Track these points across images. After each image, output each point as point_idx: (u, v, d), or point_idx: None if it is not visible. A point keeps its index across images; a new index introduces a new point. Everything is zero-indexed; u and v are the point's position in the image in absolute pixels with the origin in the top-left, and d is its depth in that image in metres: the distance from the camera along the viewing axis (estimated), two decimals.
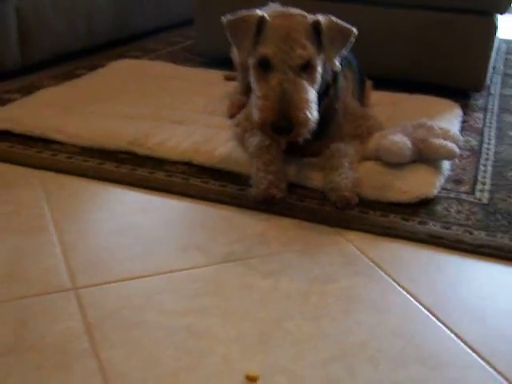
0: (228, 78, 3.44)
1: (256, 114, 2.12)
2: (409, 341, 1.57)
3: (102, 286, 1.72)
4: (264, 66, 2.14)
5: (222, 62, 3.57)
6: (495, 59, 4.51)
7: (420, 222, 2.10)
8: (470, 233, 2.05)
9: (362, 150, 2.40)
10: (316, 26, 2.16)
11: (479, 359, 1.52)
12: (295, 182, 2.31)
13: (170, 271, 1.81)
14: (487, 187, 2.38)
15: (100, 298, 1.67)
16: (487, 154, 2.72)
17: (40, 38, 3.63)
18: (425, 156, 2.35)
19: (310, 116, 2.09)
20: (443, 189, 2.33)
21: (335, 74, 2.39)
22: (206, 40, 3.89)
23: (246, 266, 1.85)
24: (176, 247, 1.93)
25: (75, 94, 3.15)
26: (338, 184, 2.17)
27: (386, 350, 1.54)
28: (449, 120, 2.88)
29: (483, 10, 3.32)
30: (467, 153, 2.71)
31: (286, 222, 2.12)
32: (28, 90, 3.21)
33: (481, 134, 2.98)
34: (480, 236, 2.03)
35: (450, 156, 2.36)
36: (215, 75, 3.58)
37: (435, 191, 2.26)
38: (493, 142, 2.88)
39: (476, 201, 2.27)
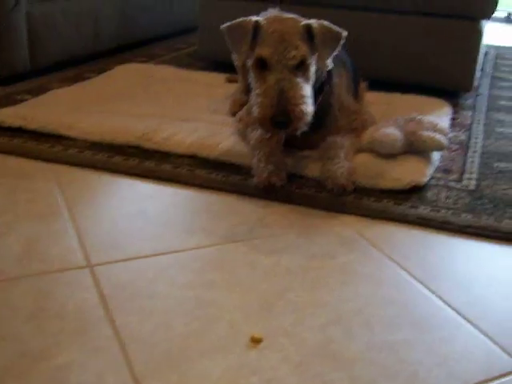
0: (230, 80, 3.57)
1: (256, 111, 2.25)
2: (401, 308, 1.70)
3: (115, 264, 1.84)
4: (261, 66, 2.28)
5: (223, 66, 3.69)
6: (484, 62, 4.66)
7: (411, 207, 2.23)
8: (458, 215, 2.18)
9: (357, 143, 2.53)
10: (308, 29, 2.30)
11: (465, 322, 1.65)
12: (294, 171, 2.44)
13: (178, 251, 1.93)
14: (474, 176, 2.51)
15: (113, 273, 1.79)
16: (475, 147, 2.85)
17: (49, 43, 3.76)
18: (415, 147, 2.48)
19: (305, 110, 2.22)
20: (433, 177, 2.46)
21: (330, 72, 2.52)
22: (209, 45, 4.01)
23: (249, 246, 1.98)
24: (183, 230, 2.06)
25: (85, 94, 3.28)
26: (335, 173, 2.30)
27: (380, 315, 1.66)
28: (439, 117, 3.00)
29: (470, 16, 3.48)
30: (456, 146, 2.84)
31: (286, 208, 2.24)
32: (38, 92, 3.33)
33: (469, 129, 3.11)
34: (466, 218, 2.16)
35: (438, 147, 2.49)
36: (217, 78, 3.71)
37: (425, 179, 2.39)
38: (480, 136, 3.01)
39: (464, 188, 2.40)
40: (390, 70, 3.66)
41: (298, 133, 2.27)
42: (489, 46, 5.32)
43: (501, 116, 3.36)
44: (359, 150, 2.51)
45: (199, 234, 2.03)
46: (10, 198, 2.22)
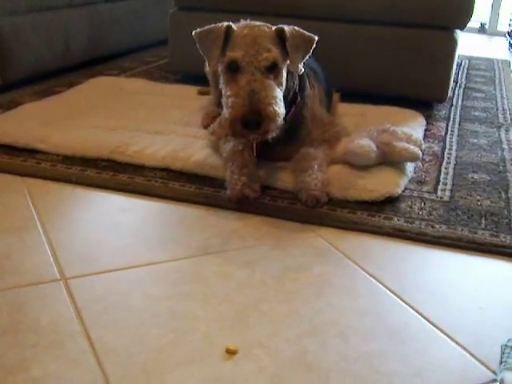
0: (202, 93, 3.57)
1: (226, 112, 2.24)
2: (376, 319, 1.70)
3: (89, 277, 1.83)
4: (233, 68, 2.27)
5: (195, 78, 3.70)
6: (457, 73, 4.70)
7: (385, 218, 2.24)
8: (432, 226, 2.19)
9: (331, 154, 2.53)
10: (280, 33, 2.31)
11: (440, 333, 1.65)
12: (268, 184, 2.44)
13: (152, 263, 1.92)
14: (448, 187, 2.53)
15: (88, 286, 1.78)
16: (449, 158, 2.87)
17: (20, 57, 3.74)
18: (389, 158, 2.49)
19: (277, 110, 2.21)
20: (407, 189, 2.47)
21: (302, 84, 2.53)
22: (180, 58, 4.01)
23: (223, 258, 1.97)
24: (157, 242, 2.05)
25: (56, 108, 3.27)
26: (308, 184, 2.30)
27: (355, 326, 1.66)
28: (413, 128, 3.02)
29: (444, 26, 3.50)
30: (430, 157, 2.85)
31: (260, 220, 2.24)
32: (9, 106, 3.32)
33: (443, 140, 3.13)
34: (441, 229, 2.18)
35: (412, 158, 2.50)
36: (189, 90, 3.71)
37: (399, 190, 2.40)
38: (454, 147, 3.03)
39: (438, 199, 2.41)
40: (364, 81, 3.67)
41: (270, 137, 2.26)
42: (462, 57, 5.38)
43: (474, 127, 3.39)
44: (333, 162, 2.52)
45: (173, 247, 2.02)
46: None
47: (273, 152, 2.47)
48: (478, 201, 2.40)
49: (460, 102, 3.92)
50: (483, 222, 2.23)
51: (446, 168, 2.73)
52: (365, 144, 2.46)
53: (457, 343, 1.62)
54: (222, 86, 2.36)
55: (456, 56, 3.62)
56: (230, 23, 2.33)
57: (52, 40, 4.00)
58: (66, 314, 1.65)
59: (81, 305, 1.69)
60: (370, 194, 2.33)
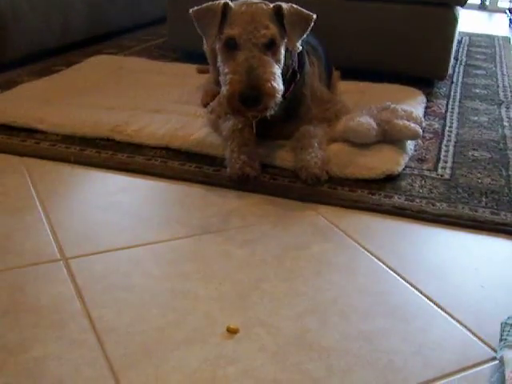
0: (201, 71, 3.55)
1: (225, 88, 2.23)
2: (376, 297, 1.70)
3: (89, 257, 1.83)
4: (231, 46, 2.25)
5: (194, 56, 3.67)
6: (458, 51, 4.68)
7: (386, 196, 2.23)
8: (433, 204, 2.19)
9: (331, 132, 2.53)
10: (278, 11, 2.29)
11: (441, 311, 1.65)
12: (268, 162, 2.43)
13: (153, 242, 1.92)
14: (449, 164, 2.52)
15: (88, 266, 1.78)
16: (449, 135, 2.86)
17: (17, 36, 3.71)
18: (389, 136, 2.48)
19: (276, 86, 2.19)
20: (407, 166, 2.46)
21: (301, 61, 2.52)
22: (179, 36, 3.99)
23: (224, 237, 1.97)
24: (157, 222, 2.05)
25: (55, 87, 3.25)
26: (308, 162, 2.30)
27: (355, 305, 1.66)
28: (413, 106, 3.00)
29: (445, 3, 3.48)
30: (430, 135, 2.85)
31: (260, 199, 2.23)
32: (7, 86, 3.29)
33: (443, 118, 3.12)
34: (441, 207, 2.17)
35: (413, 136, 2.49)
36: (188, 68, 3.69)
37: (400, 168, 2.39)
38: (455, 125, 3.02)
39: (438, 177, 2.41)
40: (364, 59, 3.65)
41: (268, 114, 2.25)
42: (462, 34, 5.35)
43: (475, 104, 3.38)
44: (333, 140, 2.51)
45: (173, 226, 2.02)
46: None
47: (272, 130, 2.46)
48: (479, 178, 2.40)
49: (460, 80, 3.90)
50: (484, 199, 2.23)
51: (446, 146, 2.73)
52: (365, 122, 2.45)
53: (457, 321, 1.62)
54: (220, 63, 2.34)
55: (456, 33, 3.61)
56: (228, 0, 2.31)
57: (50, 19, 3.97)
58: (66, 294, 1.65)
59: (81, 285, 1.69)
60: (371, 171, 2.33)
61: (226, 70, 2.23)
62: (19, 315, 1.56)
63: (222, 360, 1.45)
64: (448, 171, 2.45)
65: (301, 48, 2.38)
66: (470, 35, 5.49)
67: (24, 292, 1.65)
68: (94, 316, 1.57)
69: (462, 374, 1.45)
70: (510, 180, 2.38)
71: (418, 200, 2.20)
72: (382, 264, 1.85)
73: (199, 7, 2.34)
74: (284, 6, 2.28)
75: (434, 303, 1.68)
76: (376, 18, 3.57)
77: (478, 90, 3.66)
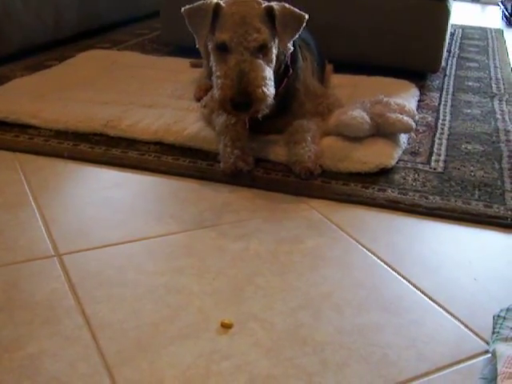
0: (194, 65, 3.55)
1: (216, 93, 2.23)
2: (370, 291, 1.70)
3: (83, 252, 1.83)
4: (222, 49, 2.25)
5: (187, 50, 3.64)
6: (450, 43, 4.69)
7: (379, 189, 2.24)
8: (426, 198, 2.19)
9: (323, 126, 2.53)
10: (270, 11, 2.28)
11: (435, 305, 1.66)
12: (261, 156, 2.43)
13: (146, 238, 1.92)
14: (442, 158, 2.53)
15: (82, 262, 1.78)
16: (442, 128, 2.87)
17: (9, 31, 3.70)
18: (382, 130, 2.49)
19: (267, 92, 2.20)
20: (400, 160, 2.47)
21: (294, 55, 2.51)
22: (172, 30, 3.98)
23: (217, 231, 1.97)
24: (150, 217, 2.05)
25: (48, 82, 3.24)
26: (302, 156, 2.30)
27: (349, 299, 1.67)
28: (406, 98, 3.01)
29: None
30: (423, 128, 2.85)
31: (253, 193, 2.24)
32: (0, 81, 3.29)
33: (436, 111, 3.13)
34: (435, 200, 2.18)
35: (406, 129, 2.50)
36: (181, 63, 3.69)
37: (393, 162, 2.40)
38: (448, 118, 3.03)
39: (431, 170, 2.41)
40: (356, 52, 3.65)
41: (260, 116, 2.26)
42: (455, 26, 5.35)
43: (468, 97, 3.39)
44: (326, 134, 2.51)
45: (167, 221, 2.02)
46: None
47: (266, 125, 2.46)
48: (472, 171, 2.40)
49: (453, 72, 3.91)
50: (477, 192, 2.24)
51: (439, 139, 2.73)
52: (358, 115, 2.45)
53: (451, 314, 1.62)
54: (212, 63, 2.34)
55: (449, 25, 3.61)
56: (219, 1, 2.30)
57: (42, 13, 3.95)
58: (60, 290, 1.65)
59: (75, 280, 1.69)
60: (364, 165, 2.33)
61: (218, 74, 2.23)
62: (13, 312, 1.56)
63: (216, 355, 1.45)
64: (441, 164, 2.45)
65: (292, 48, 2.38)
66: (463, 27, 5.49)
67: (18, 288, 1.65)
68: (89, 312, 1.57)
69: (456, 367, 1.45)
70: (502, 173, 2.39)
71: (411, 193, 2.21)
72: (375, 258, 1.86)
73: (191, 6, 2.34)
74: (276, 6, 2.27)
75: (428, 297, 1.69)
76: (368, 10, 3.56)
77: (470, 83, 3.67)
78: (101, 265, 1.77)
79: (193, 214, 2.07)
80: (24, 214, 2.02)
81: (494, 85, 3.63)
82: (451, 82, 3.65)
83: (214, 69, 2.31)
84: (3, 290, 1.64)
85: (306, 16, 2.32)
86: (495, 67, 4.07)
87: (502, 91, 3.50)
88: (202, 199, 2.16)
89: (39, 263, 1.77)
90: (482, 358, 1.47)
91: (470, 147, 2.64)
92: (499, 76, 3.84)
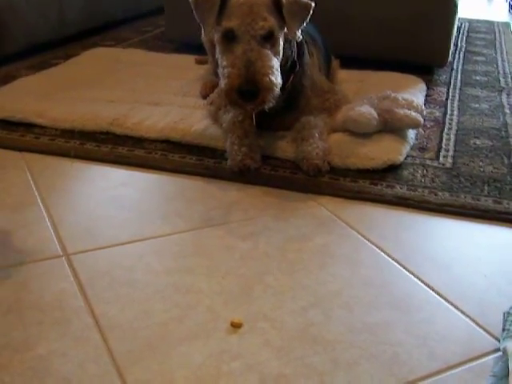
0: (199, 62, 3.54)
1: (223, 82, 2.22)
2: (380, 289, 1.69)
3: (91, 252, 1.82)
4: (229, 38, 2.24)
5: (192, 47, 3.66)
6: (457, 37, 4.66)
7: (387, 186, 2.22)
8: (435, 194, 2.18)
9: (331, 122, 2.52)
10: (277, 1, 2.27)
11: (445, 302, 1.65)
12: (268, 154, 2.42)
13: (155, 237, 1.92)
14: (450, 153, 2.51)
15: (90, 262, 1.78)
16: (450, 123, 2.85)
17: (14, 30, 3.69)
18: (390, 126, 2.47)
19: (274, 81, 2.18)
20: (409, 156, 2.46)
21: (300, 51, 2.50)
22: (176, 26, 3.98)
23: (226, 230, 1.96)
24: (158, 215, 2.04)
25: (53, 81, 3.24)
26: (309, 153, 2.29)
27: (359, 297, 1.66)
28: (413, 94, 2.99)
29: None
30: (431, 123, 2.84)
31: (261, 191, 2.23)
32: (5, 80, 3.28)
33: (444, 106, 3.11)
34: (444, 196, 2.16)
35: (414, 125, 2.49)
36: (187, 60, 3.68)
37: (401, 158, 2.38)
38: (455, 113, 3.01)
39: (440, 166, 2.40)
40: (363, 47, 3.63)
41: (267, 107, 2.24)
42: (462, 20, 5.33)
43: (475, 91, 3.37)
44: (333, 130, 2.50)
45: (175, 220, 2.01)
46: None
47: (273, 121, 2.45)
48: (481, 167, 2.39)
49: (460, 67, 3.89)
50: (486, 188, 2.22)
51: (447, 134, 2.72)
52: (365, 111, 2.44)
53: (461, 312, 1.61)
54: (218, 56, 2.33)
55: (456, 19, 3.58)
56: None
57: (45, 11, 3.94)
58: (69, 291, 1.64)
59: (84, 281, 1.69)
60: (372, 162, 2.32)
61: (225, 63, 2.22)
62: (23, 312, 1.56)
63: (227, 355, 1.44)
64: (450, 160, 2.44)
65: (301, 37, 2.37)
66: (470, 21, 5.46)
67: (27, 289, 1.65)
68: (98, 312, 1.57)
69: (467, 365, 1.44)
70: None
71: (420, 190, 2.20)
72: (385, 255, 1.85)
73: None
74: None
75: (438, 294, 1.68)
76: (375, 4, 3.54)
77: (478, 77, 3.65)
78: (109, 264, 1.76)
79: (200, 212, 2.06)
80: (31, 214, 2.02)
81: (501, 79, 3.61)
82: (458, 77, 3.63)
83: (219, 60, 2.30)
84: (12, 291, 1.64)
85: (313, 4, 2.31)
86: (503, 61, 4.05)
87: (510, 85, 3.48)
88: (210, 197, 2.16)
89: (48, 263, 1.76)
90: (493, 356, 1.46)
91: (478, 142, 2.63)
92: (507, 70, 3.82)
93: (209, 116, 2.67)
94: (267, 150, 2.42)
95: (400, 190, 2.19)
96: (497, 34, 4.94)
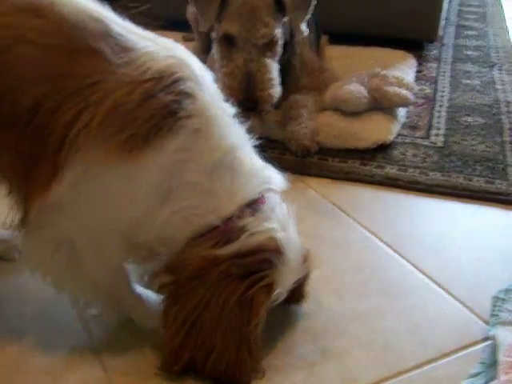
0: (187, 39, 3.48)
1: (221, 90, 2.17)
2: (370, 274, 1.66)
3: None
4: (228, 41, 2.21)
5: (179, 24, 3.60)
6: (448, 10, 4.59)
7: (377, 166, 2.19)
8: (426, 174, 2.14)
9: (320, 101, 2.47)
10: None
11: (437, 287, 1.62)
12: (255, 133, 2.37)
13: None
14: (442, 132, 2.47)
15: None
16: (441, 101, 2.80)
17: None
18: (380, 104, 2.43)
19: (273, 94, 2.19)
20: (399, 135, 2.42)
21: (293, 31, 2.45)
22: (163, 3, 3.92)
23: None
24: None
25: None
26: (298, 133, 2.25)
27: (348, 282, 1.63)
28: (403, 70, 2.94)
29: None
30: (422, 100, 2.79)
31: None
32: None
33: (435, 82, 3.06)
34: (435, 176, 2.13)
35: (404, 103, 2.44)
36: (174, 37, 3.59)
37: (391, 137, 2.34)
38: (447, 89, 2.96)
39: (431, 145, 2.36)
40: (350, 21, 3.54)
41: (264, 114, 2.25)
42: None
43: (467, 67, 3.31)
44: (322, 109, 2.45)
45: None
46: None
47: None
48: (473, 145, 2.35)
49: (451, 41, 3.82)
50: (478, 167, 2.19)
51: (438, 111, 2.67)
52: (354, 89, 2.40)
53: (453, 297, 1.58)
54: (216, 54, 2.29)
55: None
56: None
57: None
58: None
59: None
60: (361, 141, 2.28)
61: (224, 70, 2.20)
62: None
63: None
64: (441, 139, 2.40)
65: (307, 32, 2.32)
66: None
67: None
68: None
69: (460, 353, 1.41)
70: (504, 146, 2.33)
71: (410, 170, 2.16)
72: (375, 238, 1.82)
73: None
74: None
75: (429, 278, 1.65)
76: None
77: (469, 52, 3.59)
78: None
79: None
80: None
81: (493, 54, 3.55)
82: (449, 52, 3.57)
83: (218, 61, 2.26)
84: None
85: None
86: (494, 35, 3.97)
87: (502, 60, 3.42)
88: None
89: None
90: (486, 343, 1.43)
91: (470, 120, 2.58)
92: (499, 44, 3.75)
93: None
94: (254, 130, 2.37)
95: (390, 170, 2.16)
96: (489, 7, 4.86)
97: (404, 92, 2.42)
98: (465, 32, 4.06)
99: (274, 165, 1.60)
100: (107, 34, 1.22)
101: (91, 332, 1.45)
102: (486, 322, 1.49)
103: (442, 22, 3.64)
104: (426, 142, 2.37)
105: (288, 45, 2.41)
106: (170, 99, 1.19)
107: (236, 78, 2.14)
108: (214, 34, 2.29)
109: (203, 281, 1.25)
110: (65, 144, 1.18)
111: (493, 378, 1.28)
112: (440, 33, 3.63)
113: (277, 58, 2.24)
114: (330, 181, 2.13)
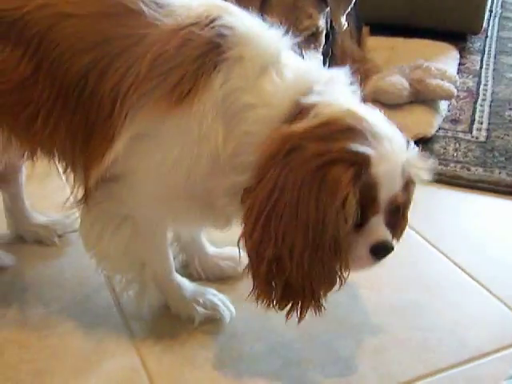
0: None
1: None
2: (410, 269, 1.64)
3: None
4: None
5: None
6: (492, 2, 4.51)
7: None
8: (468, 169, 2.11)
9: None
10: None
11: (477, 285, 1.59)
12: None
13: None
14: (484, 126, 2.43)
15: None
16: (484, 94, 2.76)
17: None
18: (422, 96, 2.40)
19: None
20: (441, 128, 2.38)
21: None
22: None
23: None
24: None
25: None
26: None
27: (388, 277, 1.60)
28: (446, 62, 2.90)
29: None
30: (464, 94, 2.74)
31: None
32: None
33: (478, 75, 3.00)
34: (477, 172, 2.10)
35: (447, 96, 2.41)
36: None
37: (433, 130, 2.31)
38: (490, 83, 2.91)
39: (473, 139, 2.32)
40: (393, 13, 3.50)
41: None
42: None
43: (511, 60, 3.24)
44: (363, 101, 2.42)
45: None
46: None
47: None
48: None
49: (495, 34, 3.74)
50: None
51: (481, 105, 2.63)
52: (396, 81, 2.37)
53: (495, 296, 1.56)
54: None
55: None
56: None
57: None
58: None
59: None
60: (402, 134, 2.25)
61: None
62: None
63: (249, 336, 1.41)
64: (484, 133, 2.36)
65: (346, 25, 2.29)
66: None
67: None
68: None
69: (500, 353, 1.39)
70: None
71: (452, 164, 2.13)
72: (415, 233, 1.79)
73: None
74: None
75: (470, 276, 1.63)
76: None
77: None
78: None
79: None
80: None
81: None
82: (493, 44, 3.50)
83: None
84: None
85: None
86: None
87: None
88: None
89: None
90: None
91: None
92: None
93: None
94: None
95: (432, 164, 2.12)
96: None
97: (447, 84, 2.39)
98: (509, 24, 3.98)
99: None
100: None
101: (127, 319, 1.45)
102: None
103: (487, 14, 3.57)
104: (467, 137, 2.33)
105: (328, 35, 2.38)
106: (210, 35, 1.17)
107: None
108: None
109: (277, 160, 1.12)
110: (116, 105, 1.18)
111: None
112: (484, 25, 3.56)
113: (321, 47, 2.20)
114: None
